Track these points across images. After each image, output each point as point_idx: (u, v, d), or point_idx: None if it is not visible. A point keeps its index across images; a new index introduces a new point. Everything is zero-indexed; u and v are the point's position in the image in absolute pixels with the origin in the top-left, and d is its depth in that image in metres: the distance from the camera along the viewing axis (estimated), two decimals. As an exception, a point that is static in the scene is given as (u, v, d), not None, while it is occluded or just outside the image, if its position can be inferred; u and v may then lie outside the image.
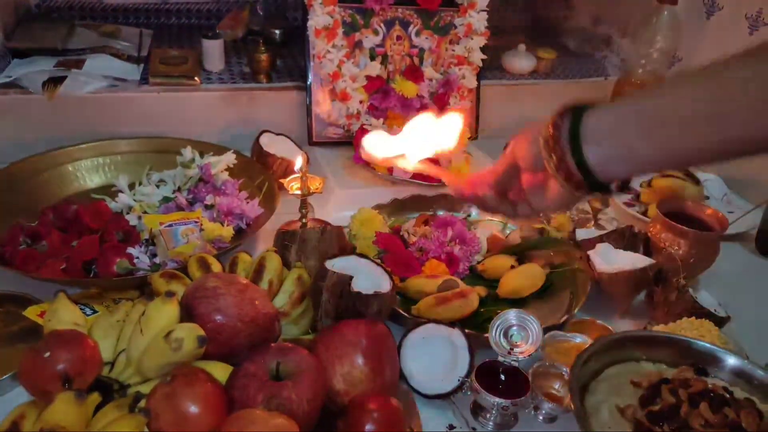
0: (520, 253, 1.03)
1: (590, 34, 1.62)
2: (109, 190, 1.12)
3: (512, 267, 0.97)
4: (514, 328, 0.78)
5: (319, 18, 1.19)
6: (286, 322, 0.79)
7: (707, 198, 1.29)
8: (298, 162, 1.01)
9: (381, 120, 1.25)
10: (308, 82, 1.26)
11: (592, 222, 1.16)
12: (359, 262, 0.84)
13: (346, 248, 0.90)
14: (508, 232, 1.11)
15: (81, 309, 0.81)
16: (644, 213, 1.21)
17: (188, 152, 1.14)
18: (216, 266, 0.81)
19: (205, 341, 0.63)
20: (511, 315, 0.78)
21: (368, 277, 0.81)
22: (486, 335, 0.79)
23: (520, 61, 1.48)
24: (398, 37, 1.29)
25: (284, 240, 0.87)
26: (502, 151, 0.70)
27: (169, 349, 0.63)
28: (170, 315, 0.66)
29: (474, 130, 1.38)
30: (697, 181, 1.23)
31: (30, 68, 1.15)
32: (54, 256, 0.86)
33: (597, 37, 1.63)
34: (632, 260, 0.93)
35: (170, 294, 0.67)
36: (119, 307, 0.73)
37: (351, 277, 0.76)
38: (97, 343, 0.64)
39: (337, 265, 0.82)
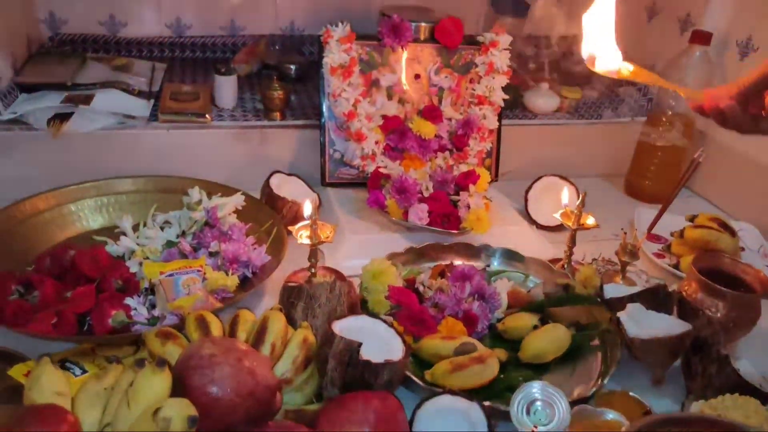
0: (543, 310, 0.97)
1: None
2: (112, 232, 1.08)
3: (535, 327, 0.90)
4: (539, 403, 0.71)
5: (334, 55, 1.15)
6: (289, 390, 0.73)
7: (742, 249, 1.21)
8: (308, 208, 0.96)
9: (398, 162, 1.20)
10: (322, 120, 1.21)
11: (620, 276, 1.09)
12: (370, 322, 0.78)
13: (356, 305, 0.84)
14: (530, 285, 1.04)
15: (69, 369, 0.76)
16: (675, 266, 1.13)
17: (195, 193, 1.10)
18: (216, 325, 0.75)
19: (195, 421, 0.57)
20: (535, 388, 0.72)
21: (379, 342, 0.75)
22: (506, 408, 0.72)
23: (543, 100, 1.43)
24: (417, 76, 1.24)
25: (290, 296, 0.81)
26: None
27: (157, 429, 0.57)
28: (160, 388, 0.60)
29: (494, 172, 1.32)
30: (732, 233, 1.15)
31: (36, 104, 1.12)
32: (46, 308, 0.81)
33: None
34: (667, 325, 0.86)
35: (162, 363, 0.61)
36: (108, 371, 0.67)
37: (360, 344, 0.70)
38: (78, 420, 0.59)
39: (346, 326, 0.76)
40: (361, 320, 0.78)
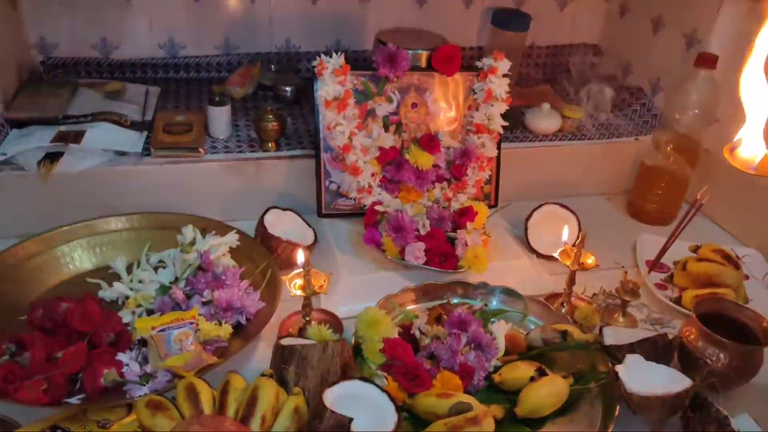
0: (541, 356, 0.95)
1: (619, 88, 1.52)
2: (106, 272, 1.07)
3: (532, 378, 0.89)
4: (533, 474, 0.70)
5: (329, 88, 1.12)
6: (280, 462, 0.72)
7: (747, 278, 1.19)
8: (300, 257, 0.95)
9: (394, 194, 1.18)
10: (318, 152, 1.19)
11: (621, 313, 1.07)
12: (362, 388, 0.77)
13: (350, 364, 0.83)
14: (529, 326, 1.03)
15: (60, 437, 0.75)
16: (677, 300, 1.11)
17: (189, 232, 1.08)
18: (205, 394, 0.74)
19: None
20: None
21: (371, 409, 0.74)
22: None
23: (545, 120, 1.40)
24: (414, 105, 1.21)
25: (282, 358, 0.80)
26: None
27: None
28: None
29: (494, 198, 1.29)
30: (736, 266, 1.13)
31: (26, 144, 1.10)
32: (37, 371, 0.81)
33: (626, 91, 1.54)
34: (666, 379, 0.84)
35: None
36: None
37: (350, 420, 0.69)
38: None
39: (338, 394, 0.75)
40: (354, 386, 0.77)
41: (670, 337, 0.93)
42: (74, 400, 0.82)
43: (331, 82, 1.12)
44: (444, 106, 1.22)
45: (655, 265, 1.05)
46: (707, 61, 1.22)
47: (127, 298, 1.00)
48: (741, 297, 1.11)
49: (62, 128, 1.16)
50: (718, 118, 1.34)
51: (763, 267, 1.23)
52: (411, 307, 1.04)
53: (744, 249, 1.27)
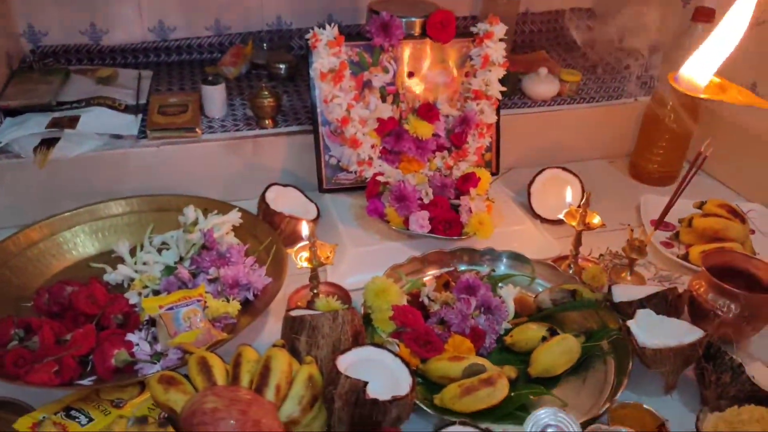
0: (551, 318, 0.95)
1: (616, 49, 1.50)
2: (109, 257, 1.06)
3: (543, 338, 0.89)
4: (550, 429, 0.70)
5: (323, 60, 1.11)
6: (297, 430, 0.72)
7: (752, 232, 1.19)
8: (305, 229, 0.94)
9: (395, 165, 1.17)
10: (316, 126, 1.18)
11: (628, 272, 1.07)
12: (375, 353, 0.77)
13: (361, 332, 0.82)
14: (537, 288, 1.02)
15: (75, 418, 0.75)
16: (684, 257, 1.11)
17: (190, 212, 1.07)
18: (218, 369, 0.73)
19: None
20: (547, 414, 0.70)
21: (385, 373, 0.74)
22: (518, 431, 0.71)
23: (543, 85, 1.38)
24: (410, 74, 1.20)
25: (293, 329, 0.80)
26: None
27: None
28: (164, 450, 0.59)
29: (495, 166, 1.28)
30: (742, 219, 1.12)
31: (21, 131, 1.09)
32: (46, 354, 0.80)
33: (624, 52, 1.52)
34: (678, 331, 0.84)
35: (164, 424, 0.60)
36: (112, 427, 0.67)
37: (365, 384, 0.69)
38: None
39: (351, 360, 0.74)
40: (366, 351, 0.76)
41: (680, 291, 0.93)
42: (86, 382, 0.81)
43: (326, 55, 1.11)
44: (441, 73, 1.21)
45: (660, 222, 1.04)
46: (704, 14, 1.20)
47: (132, 280, 1.00)
48: (748, 251, 1.11)
49: (56, 114, 1.14)
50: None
51: (769, 220, 1.23)
52: (418, 276, 1.03)
53: (748, 204, 1.26)
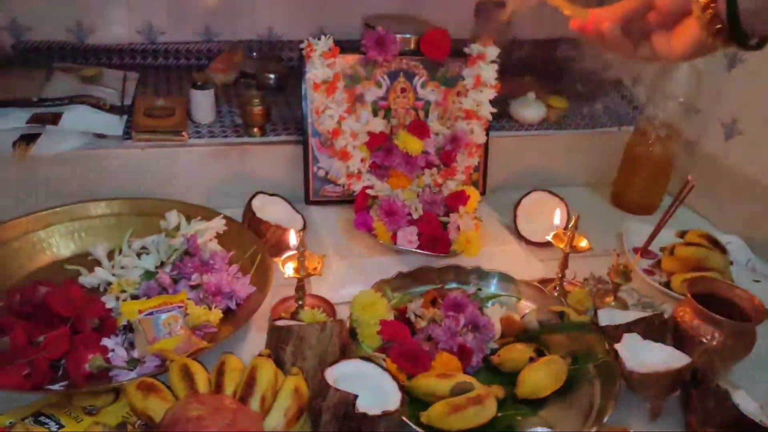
0: (538, 339, 0.94)
1: (601, 79, 1.53)
2: (85, 260, 1.03)
3: (531, 359, 0.88)
4: (540, 451, 0.69)
5: (317, 71, 1.10)
6: (281, 443, 0.69)
7: (731, 263, 1.21)
8: (293, 238, 0.92)
9: (383, 180, 1.16)
10: (306, 137, 1.17)
11: (612, 296, 1.07)
12: (363, 366, 0.75)
13: (348, 345, 0.80)
14: (524, 309, 1.02)
15: (45, 424, 0.71)
16: (666, 284, 1.12)
17: (173, 217, 1.05)
18: (201, 377, 0.71)
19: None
20: (536, 435, 0.69)
21: (373, 387, 0.72)
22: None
23: (530, 110, 1.40)
24: (402, 90, 1.20)
25: (279, 339, 0.77)
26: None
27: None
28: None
29: (482, 187, 1.29)
30: (723, 250, 1.14)
31: (1, 125, 1.05)
32: (17, 356, 0.76)
33: (607, 82, 1.55)
34: (664, 357, 0.84)
35: None
36: (87, 434, 0.63)
37: (355, 397, 0.67)
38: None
39: (339, 372, 0.72)
40: (354, 365, 0.74)
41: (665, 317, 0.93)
42: (58, 387, 0.77)
43: (320, 65, 1.10)
44: (432, 91, 1.21)
45: (645, 249, 1.05)
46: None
47: (109, 284, 0.96)
48: (727, 280, 1.12)
49: (38, 110, 1.11)
50: (701, 108, 1.36)
51: (746, 253, 1.25)
52: (405, 291, 1.02)
53: (726, 236, 1.28)
